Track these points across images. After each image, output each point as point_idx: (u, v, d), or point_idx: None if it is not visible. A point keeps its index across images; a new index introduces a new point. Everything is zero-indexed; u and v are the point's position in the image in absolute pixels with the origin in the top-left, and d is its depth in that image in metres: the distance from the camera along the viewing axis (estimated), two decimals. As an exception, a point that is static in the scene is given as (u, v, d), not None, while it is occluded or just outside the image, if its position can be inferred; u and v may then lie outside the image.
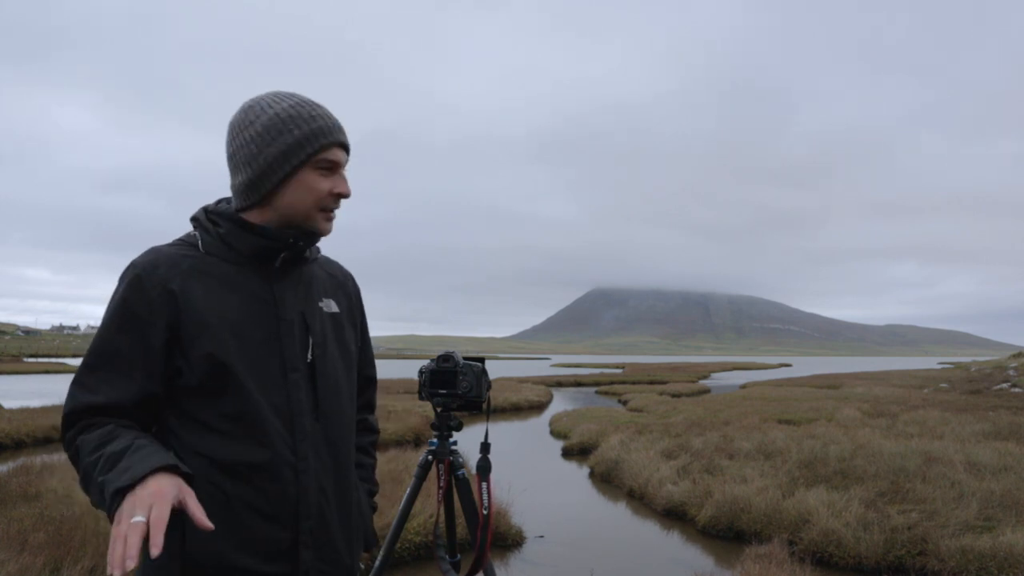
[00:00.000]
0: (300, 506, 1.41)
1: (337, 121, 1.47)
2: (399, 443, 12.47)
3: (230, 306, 1.41)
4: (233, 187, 1.48)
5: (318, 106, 1.46)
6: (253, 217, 1.46)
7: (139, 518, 1.11)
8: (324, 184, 1.45)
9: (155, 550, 1.09)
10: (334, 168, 1.46)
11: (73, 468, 1.35)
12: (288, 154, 1.41)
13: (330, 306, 1.55)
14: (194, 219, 1.51)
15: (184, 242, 1.47)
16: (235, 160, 1.45)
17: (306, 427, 1.43)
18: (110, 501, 1.17)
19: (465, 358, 2.46)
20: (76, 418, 1.35)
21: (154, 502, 1.13)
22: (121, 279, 1.41)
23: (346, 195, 1.48)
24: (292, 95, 1.45)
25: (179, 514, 1.19)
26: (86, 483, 1.28)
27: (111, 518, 1.16)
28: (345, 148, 1.48)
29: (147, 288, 1.37)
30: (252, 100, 1.46)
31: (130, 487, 1.16)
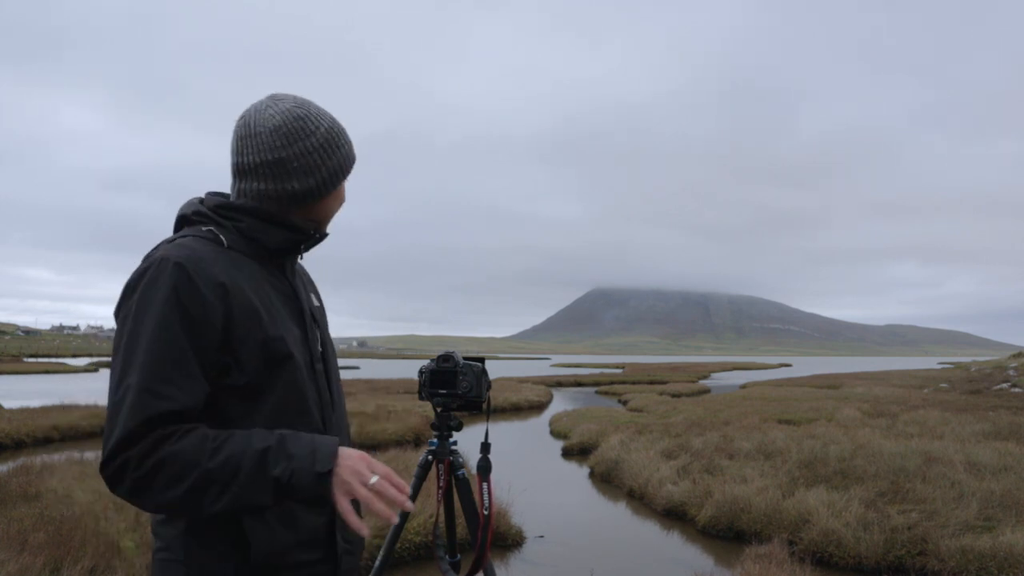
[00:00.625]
0: None
1: None
2: (399, 443, 12.47)
3: (271, 301, 1.42)
4: (266, 191, 1.43)
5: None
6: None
7: (375, 478, 1.29)
8: (343, 192, 1.56)
9: (410, 504, 1.33)
10: None
11: (145, 481, 1.23)
12: (344, 166, 1.49)
13: (314, 300, 1.63)
14: (200, 214, 1.44)
15: (202, 237, 1.39)
16: (286, 167, 1.40)
17: (330, 417, 1.51)
18: (315, 481, 1.27)
19: (465, 358, 2.46)
20: (150, 428, 1.23)
21: (370, 465, 1.31)
22: (156, 273, 1.30)
23: (344, 200, 1.59)
24: (313, 103, 1.47)
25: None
26: (205, 487, 1.22)
27: (321, 497, 1.28)
28: None
29: (198, 283, 1.29)
30: (295, 107, 1.42)
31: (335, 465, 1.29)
